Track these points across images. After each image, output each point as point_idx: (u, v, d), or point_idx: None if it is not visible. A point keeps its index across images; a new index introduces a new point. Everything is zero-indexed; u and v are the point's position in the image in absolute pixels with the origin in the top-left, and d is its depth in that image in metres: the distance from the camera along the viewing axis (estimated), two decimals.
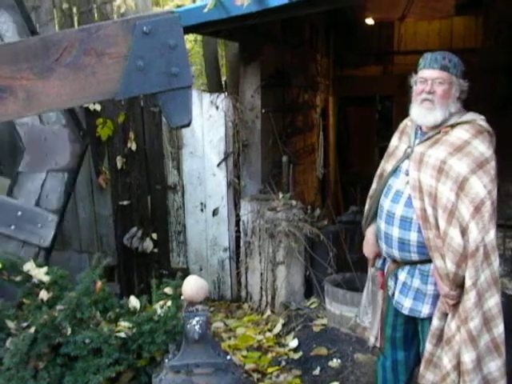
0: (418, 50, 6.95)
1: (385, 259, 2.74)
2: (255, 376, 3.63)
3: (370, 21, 7.64)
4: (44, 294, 2.86)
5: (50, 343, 2.58)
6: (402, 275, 2.60)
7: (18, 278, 2.97)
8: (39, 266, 3.05)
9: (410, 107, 2.58)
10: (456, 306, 2.39)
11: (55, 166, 3.53)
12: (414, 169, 2.47)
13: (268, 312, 4.66)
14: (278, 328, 4.34)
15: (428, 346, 2.52)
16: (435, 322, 2.48)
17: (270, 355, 3.94)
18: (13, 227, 3.43)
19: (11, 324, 2.71)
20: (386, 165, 2.73)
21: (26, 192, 3.49)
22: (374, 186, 2.81)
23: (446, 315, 2.45)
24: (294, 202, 4.68)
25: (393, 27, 7.99)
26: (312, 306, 4.55)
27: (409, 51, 7.69)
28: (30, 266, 3.02)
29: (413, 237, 2.48)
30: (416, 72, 2.54)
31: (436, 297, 2.49)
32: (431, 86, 2.45)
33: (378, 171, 2.80)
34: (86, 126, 4.65)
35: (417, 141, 2.56)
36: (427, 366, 2.55)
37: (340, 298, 4.01)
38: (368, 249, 2.80)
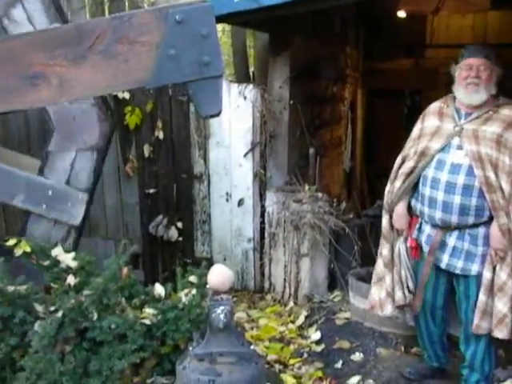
0: (451, 44, 6.84)
1: (420, 229, 3.12)
2: (277, 367, 3.64)
3: (402, 13, 7.52)
4: (71, 279, 2.91)
5: (77, 327, 2.62)
6: (451, 240, 3.00)
7: (47, 263, 3.02)
8: (67, 251, 3.09)
9: (454, 90, 3.01)
10: (503, 258, 2.84)
11: (84, 144, 3.54)
12: (471, 143, 2.88)
13: (291, 304, 4.66)
14: (300, 320, 4.34)
15: (482, 298, 2.92)
16: (488, 275, 2.90)
17: (292, 347, 3.94)
18: (44, 206, 3.45)
19: (39, 307, 2.76)
20: (430, 143, 3.02)
21: (56, 171, 3.52)
22: (411, 164, 3.08)
23: (494, 269, 2.88)
24: (319, 195, 4.66)
25: (425, 20, 7.83)
26: (335, 299, 4.54)
27: (441, 45, 7.53)
28: (58, 251, 3.07)
29: (473, 202, 2.88)
30: (457, 63, 2.98)
31: (483, 256, 2.92)
32: (476, 72, 2.89)
33: (418, 149, 3.07)
34: (114, 114, 4.70)
35: (462, 120, 2.96)
36: (482, 315, 2.93)
37: (364, 292, 3.98)
38: (401, 221, 3.19)
